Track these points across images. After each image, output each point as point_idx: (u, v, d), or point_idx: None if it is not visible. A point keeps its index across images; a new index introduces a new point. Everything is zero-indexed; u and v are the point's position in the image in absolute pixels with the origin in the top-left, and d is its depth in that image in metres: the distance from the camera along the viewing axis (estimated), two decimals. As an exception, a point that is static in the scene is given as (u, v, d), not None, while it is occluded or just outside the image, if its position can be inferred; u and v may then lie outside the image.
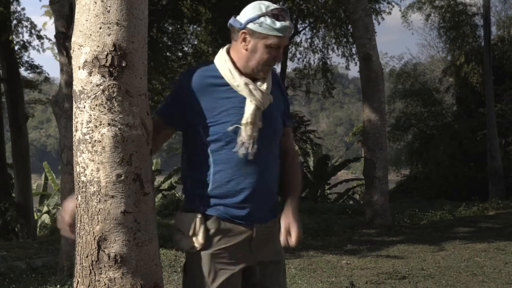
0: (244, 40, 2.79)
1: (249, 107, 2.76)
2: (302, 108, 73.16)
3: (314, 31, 25.89)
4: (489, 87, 23.25)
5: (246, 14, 2.80)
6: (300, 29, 25.73)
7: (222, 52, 2.87)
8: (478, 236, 11.23)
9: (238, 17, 2.83)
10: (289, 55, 25.86)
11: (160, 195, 24.01)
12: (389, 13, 25.08)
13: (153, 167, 17.34)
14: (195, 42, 22.00)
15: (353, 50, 24.01)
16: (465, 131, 27.90)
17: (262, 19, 2.75)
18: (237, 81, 2.77)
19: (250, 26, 2.76)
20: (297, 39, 26.50)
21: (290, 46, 25.65)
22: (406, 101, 32.63)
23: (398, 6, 28.79)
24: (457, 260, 8.69)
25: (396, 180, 34.80)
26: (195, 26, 21.24)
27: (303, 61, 26.53)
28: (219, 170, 2.76)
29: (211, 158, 2.76)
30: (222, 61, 2.83)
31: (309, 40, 26.20)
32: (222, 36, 20.66)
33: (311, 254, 9.42)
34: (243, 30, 2.78)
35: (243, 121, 2.74)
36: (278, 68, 25.66)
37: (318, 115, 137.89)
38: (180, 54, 21.14)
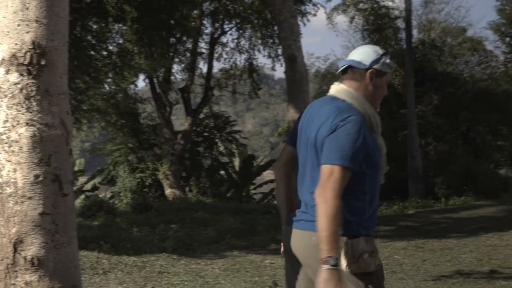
0: (371, 79, 3.05)
1: (381, 139, 3.11)
2: (228, 108, 73.12)
3: (241, 31, 25.91)
4: (410, 89, 23.88)
5: (368, 56, 3.05)
6: (227, 29, 25.74)
7: (356, 94, 3.05)
8: (398, 235, 11.52)
9: (357, 60, 3.06)
10: (215, 55, 25.81)
11: (82, 196, 23.59)
12: (315, 15, 25.39)
13: (76, 168, 17.00)
14: (120, 41, 21.68)
15: (279, 51, 24.15)
16: (387, 131, 28.43)
17: (383, 59, 3.07)
18: (377, 119, 3.11)
19: (376, 66, 3.04)
20: (224, 39, 26.49)
21: (216, 47, 25.62)
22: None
23: (323, 8, 29.12)
24: (378, 258, 8.85)
25: (320, 180, 35.15)
26: (120, 25, 20.92)
27: (229, 61, 26.51)
28: (372, 197, 3.05)
29: (368, 187, 2.99)
30: (365, 105, 3.06)
31: (235, 41, 26.22)
32: (148, 35, 20.47)
33: (235, 254, 9.44)
34: (371, 70, 3.04)
35: (383, 152, 3.06)
36: (204, 68, 25.66)
37: (244, 115, 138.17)
38: (104, 53, 20.79)
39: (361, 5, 29.87)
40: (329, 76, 34.10)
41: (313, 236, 2.83)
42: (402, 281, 7.28)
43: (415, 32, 31.47)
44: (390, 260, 8.76)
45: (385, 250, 9.69)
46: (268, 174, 36.45)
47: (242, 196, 26.49)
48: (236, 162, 28.54)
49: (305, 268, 3.01)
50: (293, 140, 3.19)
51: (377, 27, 29.87)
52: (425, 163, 25.45)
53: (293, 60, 12.92)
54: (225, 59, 26.43)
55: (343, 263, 2.82)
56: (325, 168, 2.83)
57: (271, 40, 25.11)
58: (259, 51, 26.00)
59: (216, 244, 10.70)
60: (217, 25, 25.30)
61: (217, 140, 28.19)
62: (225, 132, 28.39)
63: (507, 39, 34.72)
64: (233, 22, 25.60)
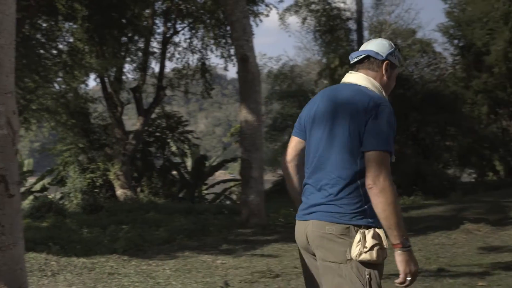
0: (386, 70, 3.17)
1: None
2: (181, 108, 72.81)
3: (193, 31, 25.83)
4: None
5: (383, 47, 3.18)
6: (179, 29, 25.62)
7: (376, 83, 3.14)
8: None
9: (375, 50, 3.17)
10: (168, 55, 25.68)
11: (31, 197, 23.20)
12: (267, 15, 25.44)
13: (24, 168, 16.66)
14: (71, 40, 21.40)
15: (232, 51, 24.14)
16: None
17: (396, 52, 3.24)
18: None
19: (390, 58, 3.17)
20: (176, 39, 26.36)
21: (168, 46, 25.49)
22: (283, 102, 33.20)
23: (276, 9, 29.33)
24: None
25: (272, 180, 35.34)
26: (70, 23, 20.66)
27: (181, 61, 26.41)
28: None
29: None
30: (382, 93, 3.14)
31: (188, 41, 26.13)
32: (99, 34, 20.26)
33: (186, 255, 9.40)
34: (386, 61, 3.17)
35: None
36: (156, 68, 25.51)
37: (196, 115, 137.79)
38: (54, 51, 20.50)
39: (313, 6, 30.09)
40: (282, 76, 34.25)
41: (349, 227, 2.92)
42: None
43: (366, 33, 31.83)
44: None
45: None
46: (220, 174, 36.48)
47: (194, 197, 26.42)
48: (189, 162, 28.44)
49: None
50: (300, 132, 3.25)
51: (329, 28, 30.14)
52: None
53: (246, 60, 12.94)
54: (177, 59, 26.34)
55: (355, 251, 2.86)
56: (375, 155, 2.84)
57: (223, 40, 25.10)
58: (211, 51, 25.98)
59: (168, 245, 10.65)
60: (169, 24, 25.18)
61: (169, 140, 28.07)
62: (177, 132, 28.27)
63: (455, 41, 35.39)
64: (186, 21, 25.52)
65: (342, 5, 30.50)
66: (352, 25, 29.81)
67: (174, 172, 28.13)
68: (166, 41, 25.09)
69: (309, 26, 31.38)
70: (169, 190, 26.28)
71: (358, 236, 2.86)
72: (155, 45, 25.66)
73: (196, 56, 26.37)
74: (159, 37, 25.54)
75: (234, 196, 29.10)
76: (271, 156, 35.65)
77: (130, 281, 7.36)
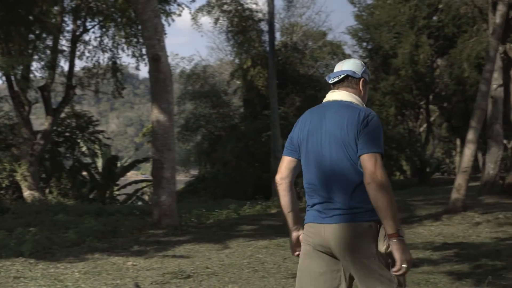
0: (363, 86, 3.60)
1: None
2: (91, 108, 71.55)
3: (104, 29, 25.45)
4: (273, 91, 24.34)
5: (357, 67, 3.60)
6: (89, 27, 25.18)
7: (358, 98, 3.55)
8: (261, 234, 11.72)
9: (352, 70, 3.58)
10: (77, 53, 25.16)
11: None
12: (180, 15, 25.35)
13: None
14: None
15: (143, 51, 23.91)
16: (251, 132, 28.94)
17: (367, 70, 3.64)
18: None
19: (364, 76, 3.60)
20: (86, 37, 25.95)
21: (78, 44, 24.97)
22: (195, 102, 33.17)
23: (188, 9, 29.21)
24: (240, 257, 9.00)
25: (185, 181, 35.24)
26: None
27: (92, 60, 25.95)
28: None
29: None
30: (362, 104, 3.56)
31: (98, 39, 25.70)
32: (4, 31, 19.69)
33: (96, 257, 9.22)
34: (362, 79, 3.59)
35: None
36: (65, 66, 24.96)
37: (107, 115, 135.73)
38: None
39: (225, 7, 30.18)
40: (194, 76, 34.21)
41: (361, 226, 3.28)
42: (263, 280, 7.41)
43: (278, 35, 32.20)
44: (252, 259, 8.89)
45: (248, 249, 9.83)
46: (132, 175, 36.05)
47: (105, 198, 26.02)
48: (99, 162, 28.02)
49: (349, 256, 3.30)
50: (292, 151, 3.58)
51: (241, 29, 30.30)
52: (287, 163, 26.02)
53: (157, 60, 12.83)
54: (87, 57, 25.88)
55: (382, 244, 3.27)
56: (370, 156, 3.24)
57: (135, 39, 24.86)
58: (123, 50, 25.68)
59: (77, 247, 10.40)
60: (79, 22, 24.71)
61: (79, 140, 27.59)
62: (87, 132, 27.83)
63: (364, 44, 36.24)
64: (96, 19, 25.13)
65: (254, 6, 30.72)
66: (264, 26, 30.05)
67: (85, 173, 27.65)
68: (75, 39, 24.58)
69: (221, 26, 31.47)
70: (79, 191, 25.80)
71: (382, 231, 3.26)
72: (64, 43, 25.17)
73: (107, 55, 26.04)
74: (68, 35, 25.04)
75: (146, 197, 28.87)
76: (183, 156, 35.59)
77: (37, 284, 7.16)
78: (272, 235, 11.42)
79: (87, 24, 25.08)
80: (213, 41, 47.43)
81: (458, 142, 43.33)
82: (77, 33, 24.64)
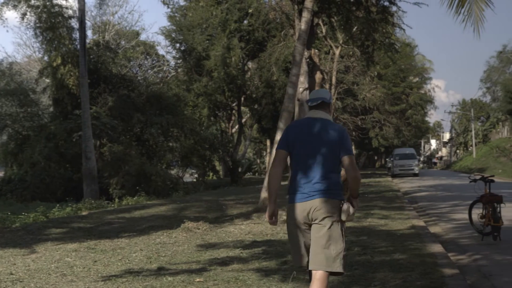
0: (332, 108, 5.39)
1: None
2: None
3: None
4: (84, 90, 23.75)
5: (328, 94, 5.18)
6: None
7: (329, 117, 5.10)
8: (70, 237, 11.39)
9: (326, 97, 5.10)
10: None
11: None
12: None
13: None
14: None
15: None
16: (61, 132, 28.03)
17: (331, 95, 5.36)
18: None
19: (331, 101, 5.19)
20: None
21: None
22: (1, 101, 31.57)
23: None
24: (48, 262, 8.68)
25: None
26: None
27: None
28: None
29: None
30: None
31: None
32: None
33: None
34: (331, 103, 5.21)
35: None
36: None
37: None
38: None
39: (33, 2, 28.95)
40: (-1, 73, 32.53)
41: (340, 202, 4.90)
42: (72, 284, 7.19)
43: (90, 33, 31.55)
44: (60, 263, 8.60)
45: (56, 253, 9.51)
46: None
47: None
48: None
49: (323, 220, 4.83)
50: (286, 146, 4.99)
51: (50, 25, 29.24)
52: (100, 164, 25.54)
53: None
54: None
55: (344, 216, 4.85)
56: (350, 158, 4.85)
57: None
58: None
59: None
60: None
61: None
62: None
63: (178, 45, 36.44)
64: None
65: (64, 2, 29.84)
66: (74, 23, 29.26)
67: None
68: None
69: (29, 22, 30.18)
70: None
71: (345, 206, 4.85)
72: None
73: None
74: None
75: None
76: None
77: None
78: (83, 237, 11.15)
79: None
80: (20, 37, 45.58)
81: (268, 143, 44.96)
82: None
